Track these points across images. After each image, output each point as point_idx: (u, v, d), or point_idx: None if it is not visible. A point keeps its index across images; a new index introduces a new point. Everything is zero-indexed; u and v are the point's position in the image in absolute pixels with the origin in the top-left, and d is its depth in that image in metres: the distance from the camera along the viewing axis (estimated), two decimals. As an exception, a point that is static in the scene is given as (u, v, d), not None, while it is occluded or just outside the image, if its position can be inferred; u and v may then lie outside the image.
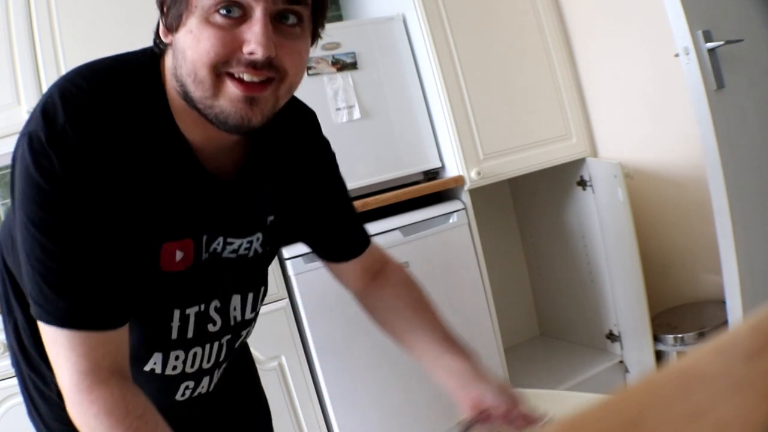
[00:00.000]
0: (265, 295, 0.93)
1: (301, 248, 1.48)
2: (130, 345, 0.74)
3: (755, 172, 1.56)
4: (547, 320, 2.51)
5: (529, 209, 2.44)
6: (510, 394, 0.83)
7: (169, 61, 0.72)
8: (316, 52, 1.83)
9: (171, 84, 0.71)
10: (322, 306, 1.67)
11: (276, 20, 0.67)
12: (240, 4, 0.64)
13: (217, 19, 0.65)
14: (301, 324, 1.67)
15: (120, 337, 0.70)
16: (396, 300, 0.96)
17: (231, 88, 0.66)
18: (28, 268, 0.68)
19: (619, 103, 2.03)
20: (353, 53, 1.87)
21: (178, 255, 0.75)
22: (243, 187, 0.78)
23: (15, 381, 1.46)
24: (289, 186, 0.86)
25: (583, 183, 2.08)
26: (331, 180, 0.95)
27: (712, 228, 1.55)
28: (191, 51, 0.66)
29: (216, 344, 0.85)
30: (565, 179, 2.15)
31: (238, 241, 0.81)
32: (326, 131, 1.40)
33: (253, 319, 0.91)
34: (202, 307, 0.81)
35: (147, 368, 0.82)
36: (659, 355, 1.93)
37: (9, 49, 1.75)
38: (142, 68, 0.73)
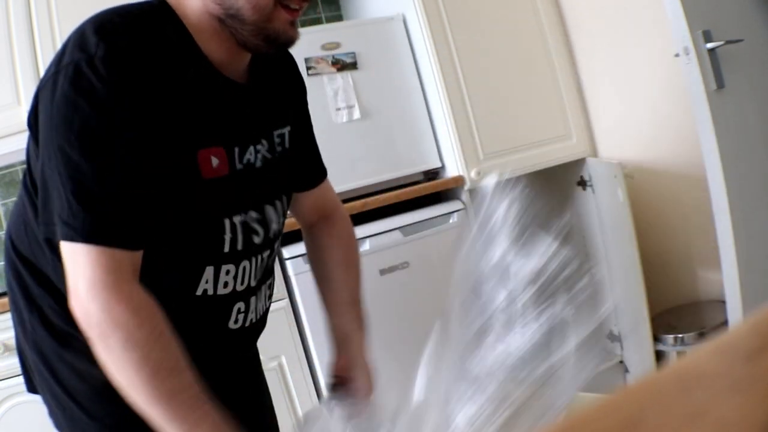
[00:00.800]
0: (289, 204, 0.99)
1: (301, 248, 1.48)
2: (181, 266, 0.79)
3: (755, 172, 1.56)
4: (547, 320, 2.51)
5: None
6: (370, 376, 0.98)
7: None
8: (316, 52, 1.83)
9: (204, 7, 0.79)
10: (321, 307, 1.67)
11: None
12: None
13: None
14: (301, 324, 1.67)
15: (139, 262, 0.73)
16: (332, 250, 1.06)
17: (284, 15, 0.78)
18: (60, 190, 0.70)
19: (619, 103, 2.03)
20: (353, 53, 1.87)
21: (214, 161, 0.80)
22: (254, 89, 0.88)
23: (15, 381, 1.47)
24: (285, 97, 0.98)
25: (583, 183, 2.08)
26: (306, 106, 1.06)
27: (712, 228, 1.55)
28: None
29: (259, 258, 0.89)
30: (565, 179, 2.15)
31: (263, 147, 0.88)
32: (326, 131, 1.42)
33: (281, 231, 0.96)
34: (245, 216, 0.85)
35: (199, 291, 0.83)
36: (659, 355, 1.93)
37: (9, 50, 1.76)
38: (153, 7, 0.79)
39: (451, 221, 1.86)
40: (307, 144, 1.04)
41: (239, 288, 0.86)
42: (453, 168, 1.92)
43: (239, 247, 0.84)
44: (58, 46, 1.89)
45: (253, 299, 0.91)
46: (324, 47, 1.84)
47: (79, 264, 0.69)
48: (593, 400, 1.20)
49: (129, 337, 0.67)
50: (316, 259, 1.08)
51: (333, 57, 1.84)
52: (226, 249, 0.83)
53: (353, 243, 1.10)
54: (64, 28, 1.80)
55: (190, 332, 0.76)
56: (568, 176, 2.13)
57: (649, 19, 1.81)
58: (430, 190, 1.85)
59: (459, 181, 1.88)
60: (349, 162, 1.81)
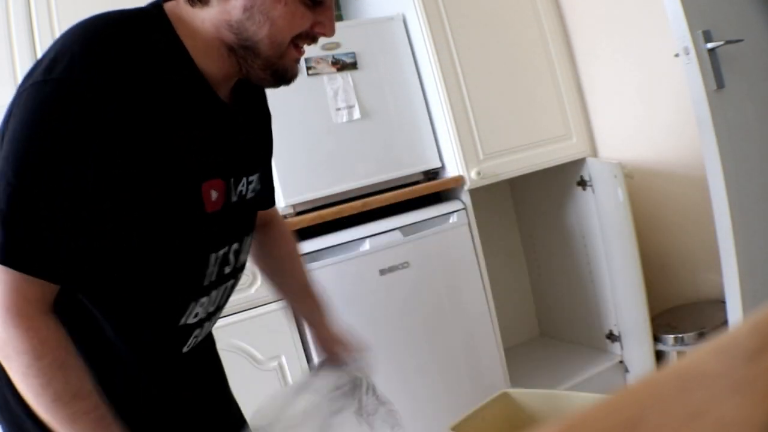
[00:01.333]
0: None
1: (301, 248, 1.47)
2: (167, 302, 0.80)
3: (755, 171, 1.56)
4: (547, 320, 2.51)
5: (529, 209, 2.44)
6: (346, 340, 1.09)
7: (218, 13, 0.78)
8: (316, 52, 1.83)
9: (216, 34, 0.79)
10: (322, 306, 1.67)
11: None
12: None
13: (307, 2, 0.79)
14: (301, 324, 1.67)
15: (56, 292, 0.71)
16: (278, 247, 1.14)
17: (294, 54, 0.83)
18: None
19: (619, 103, 2.03)
20: (353, 53, 1.87)
21: (213, 195, 0.81)
22: (243, 115, 0.90)
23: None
24: (264, 123, 1.03)
25: (583, 183, 2.08)
26: (271, 131, 1.08)
27: (712, 228, 1.55)
28: (282, 20, 0.79)
29: (226, 287, 0.91)
30: (565, 179, 2.15)
31: (253, 178, 0.91)
32: (326, 131, 1.42)
33: (246, 261, 0.98)
34: (227, 249, 0.87)
35: (182, 322, 0.84)
36: (659, 355, 1.93)
37: (9, 49, 1.75)
38: (147, 14, 0.78)
39: (451, 221, 1.86)
40: (269, 166, 1.09)
41: (203, 316, 0.88)
42: (453, 168, 1.91)
43: (213, 278, 0.86)
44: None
45: (207, 324, 0.92)
46: (324, 47, 1.84)
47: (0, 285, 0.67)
48: (593, 400, 1.20)
49: (31, 365, 0.67)
50: (264, 256, 1.13)
51: (333, 57, 1.84)
52: (206, 282, 0.84)
53: (293, 238, 1.18)
54: (63, 27, 1.80)
55: (149, 359, 0.80)
56: (568, 176, 2.13)
57: (649, 19, 1.81)
58: (430, 190, 1.85)
59: (459, 181, 1.88)
60: (349, 162, 1.81)
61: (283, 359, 1.62)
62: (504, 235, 2.49)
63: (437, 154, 1.96)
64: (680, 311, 1.99)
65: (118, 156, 0.68)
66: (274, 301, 1.61)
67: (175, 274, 0.80)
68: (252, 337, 1.57)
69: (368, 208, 1.75)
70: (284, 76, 0.85)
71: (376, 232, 1.75)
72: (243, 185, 0.87)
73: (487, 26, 1.99)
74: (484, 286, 1.88)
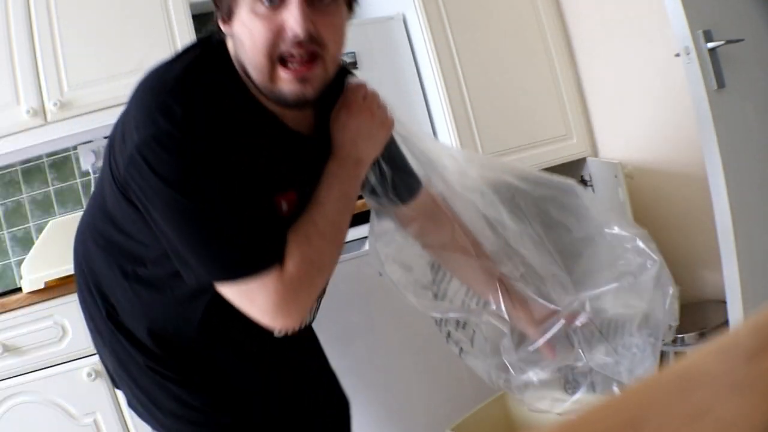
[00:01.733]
0: None
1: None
2: None
3: (756, 171, 1.56)
4: (547, 320, 2.51)
5: (529, 209, 2.44)
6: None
7: (231, 47, 0.83)
8: (316, 51, 1.83)
9: (239, 67, 0.83)
10: (322, 306, 1.67)
11: (311, 1, 0.77)
12: None
13: (260, 9, 0.76)
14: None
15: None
16: (449, 243, 1.11)
17: (283, 74, 0.78)
18: (193, 247, 0.78)
19: (619, 103, 2.03)
20: (353, 53, 1.87)
21: (284, 205, 0.88)
22: (320, 138, 0.92)
23: (15, 381, 1.47)
24: None
25: (583, 183, 2.08)
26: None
27: (713, 228, 1.55)
28: (247, 41, 0.78)
29: None
30: (565, 179, 2.15)
31: None
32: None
33: None
34: None
35: None
36: (659, 355, 1.92)
37: (8, 49, 1.75)
38: (215, 58, 0.84)
39: (451, 221, 1.86)
40: (397, 160, 1.05)
41: None
42: (453, 168, 1.91)
43: None
44: (58, 45, 1.88)
45: None
46: (324, 47, 1.84)
47: (256, 297, 0.79)
48: (594, 401, 1.20)
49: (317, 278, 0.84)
50: (436, 254, 1.14)
51: (333, 57, 1.85)
52: None
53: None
54: (63, 27, 1.80)
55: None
56: (568, 176, 2.12)
57: (649, 19, 1.81)
58: (430, 190, 1.85)
59: (459, 181, 1.88)
60: (349, 162, 1.81)
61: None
62: (504, 235, 2.49)
63: (437, 154, 1.96)
64: (680, 311, 1.98)
65: (229, 173, 0.78)
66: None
67: None
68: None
69: (368, 208, 1.74)
70: (286, 101, 0.81)
71: (376, 232, 1.75)
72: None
73: (487, 26, 1.99)
74: (484, 286, 1.88)
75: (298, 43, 0.76)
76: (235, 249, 0.78)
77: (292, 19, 0.75)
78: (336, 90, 0.92)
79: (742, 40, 1.46)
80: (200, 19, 2.26)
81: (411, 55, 1.96)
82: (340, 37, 0.83)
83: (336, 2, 0.81)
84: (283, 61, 0.78)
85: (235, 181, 0.78)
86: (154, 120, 0.76)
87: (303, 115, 0.88)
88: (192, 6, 1.99)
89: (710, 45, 1.43)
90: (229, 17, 0.80)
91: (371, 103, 0.96)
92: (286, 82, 0.78)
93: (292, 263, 0.80)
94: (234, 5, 0.78)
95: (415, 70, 1.96)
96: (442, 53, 1.89)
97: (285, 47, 0.77)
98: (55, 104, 1.76)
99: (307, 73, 0.78)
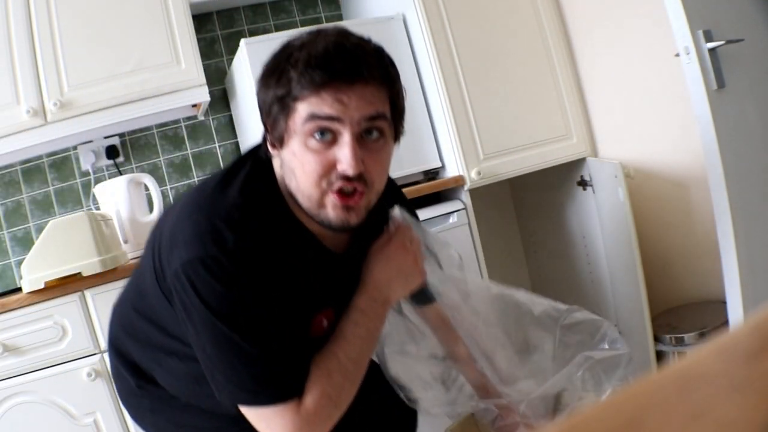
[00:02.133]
0: None
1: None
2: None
3: (756, 171, 1.56)
4: (547, 320, 2.51)
5: (529, 209, 2.44)
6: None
7: (277, 167, 0.90)
8: (316, 51, 1.83)
9: (283, 187, 0.89)
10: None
11: (361, 139, 0.84)
12: (330, 129, 0.82)
13: (313, 143, 0.83)
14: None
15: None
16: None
17: (332, 200, 0.84)
18: (220, 366, 0.82)
19: (619, 103, 2.03)
20: (353, 53, 1.87)
21: (324, 322, 0.94)
22: (356, 257, 0.98)
23: (15, 381, 1.47)
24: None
25: (583, 183, 2.08)
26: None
27: (713, 228, 1.55)
28: (298, 171, 0.84)
29: None
30: (565, 179, 2.15)
31: None
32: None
33: None
34: None
35: None
36: (659, 355, 1.92)
37: (8, 49, 1.75)
38: (264, 179, 0.90)
39: (451, 221, 1.86)
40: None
41: None
42: (453, 168, 1.91)
43: None
44: (58, 45, 1.88)
45: None
46: (324, 47, 1.84)
47: (272, 424, 0.83)
48: (594, 401, 1.20)
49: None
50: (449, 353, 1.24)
51: (333, 57, 1.84)
52: None
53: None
54: (63, 27, 1.80)
55: None
56: (568, 176, 2.13)
57: (649, 18, 1.81)
58: (430, 190, 1.85)
59: (459, 181, 1.87)
60: (349, 162, 1.81)
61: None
62: (504, 235, 2.49)
63: (437, 154, 1.96)
64: (680, 311, 1.99)
65: (272, 298, 0.83)
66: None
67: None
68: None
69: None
70: (331, 226, 0.86)
71: (376, 232, 1.75)
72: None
73: (488, 26, 1.99)
74: (484, 286, 1.88)
75: (347, 179, 0.83)
76: (259, 379, 0.82)
77: (345, 160, 0.82)
78: (375, 213, 0.95)
79: (742, 40, 1.46)
80: (200, 19, 2.26)
81: (411, 55, 1.96)
82: (385, 171, 0.91)
83: (384, 138, 0.87)
84: (330, 187, 0.84)
85: (272, 311, 0.82)
86: (204, 243, 0.80)
87: (340, 235, 0.93)
88: (192, 6, 1.99)
89: (710, 45, 1.43)
90: (280, 144, 0.86)
91: (416, 248, 1.00)
92: (333, 208, 0.85)
93: (311, 398, 0.83)
94: (287, 135, 0.84)
95: (415, 70, 1.96)
96: (442, 53, 1.89)
97: (335, 182, 0.84)
98: (55, 104, 1.76)
99: (353, 204, 0.85)
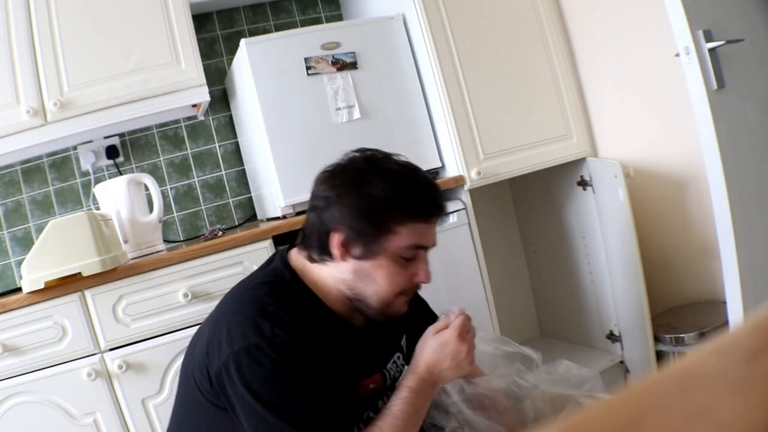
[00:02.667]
0: None
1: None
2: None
3: (756, 171, 1.56)
4: (547, 320, 2.51)
5: (529, 209, 2.44)
6: None
7: (335, 272, 1.05)
8: (316, 51, 1.83)
9: (336, 286, 1.05)
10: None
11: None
12: (419, 254, 1.06)
13: (402, 262, 1.03)
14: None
15: None
16: None
17: (402, 299, 1.06)
18: None
19: (619, 103, 2.03)
20: (353, 53, 1.87)
21: (371, 386, 1.09)
22: (377, 327, 1.13)
23: (15, 381, 1.47)
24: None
25: (583, 183, 2.08)
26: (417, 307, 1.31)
27: (713, 228, 1.55)
28: (384, 281, 1.02)
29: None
30: (565, 179, 2.15)
31: (395, 357, 1.18)
32: (326, 131, 1.43)
33: None
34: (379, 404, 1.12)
35: None
36: (659, 355, 1.92)
37: (8, 49, 1.75)
38: (288, 279, 1.05)
39: (451, 221, 1.86)
40: (426, 315, 1.32)
41: None
42: (453, 168, 1.91)
43: (371, 414, 1.10)
44: (58, 45, 1.88)
45: None
46: (324, 47, 1.84)
47: None
48: (594, 401, 1.20)
49: None
50: None
51: (333, 57, 1.84)
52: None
53: None
54: (63, 27, 1.80)
55: None
56: (568, 176, 2.13)
57: (649, 18, 1.81)
58: (430, 190, 1.85)
59: (459, 181, 1.87)
60: (349, 162, 1.80)
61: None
62: (504, 235, 2.49)
63: (437, 154, 1.96)
64: (680, 311, 1.99)
65: (309, 375, 0.95)
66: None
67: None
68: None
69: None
70: (394, 317, 1.07)
71: (376, 232, 1.74)
72: (392, 367, 1.16)
73: (488, 26, 1.99)
74: (484, 286, 1.88)
75: (417, 288, 1.07)
76: None
77: (425, 273, 1.05)
78: None
79: (742, 40, 1.46)
80: (200, 19, 2.26)
81: (411, 55, 1.96)
82: None
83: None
84: (406, 294, 1.06)
85: (313, 388, 0.94)
86: (245, 335, 0.93)
87: (359, 316, 1.11)
88: (192, 6, 1.99)
89: (710, 45, 1.43)
90: (364, 257, 1.02)
91: (472, 340, 1.11)
92: (402, 304, 1.06)
93: None
94: (378, 250, 1.02)
95: (415, 70, 1.96)
96: (442, 53, 1.89)
97: (411, 288, 1.06)
98: (55, 104, 1.76)
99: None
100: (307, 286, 1.05)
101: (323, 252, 1.04)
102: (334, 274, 1.05)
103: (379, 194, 1.01)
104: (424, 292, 1.79)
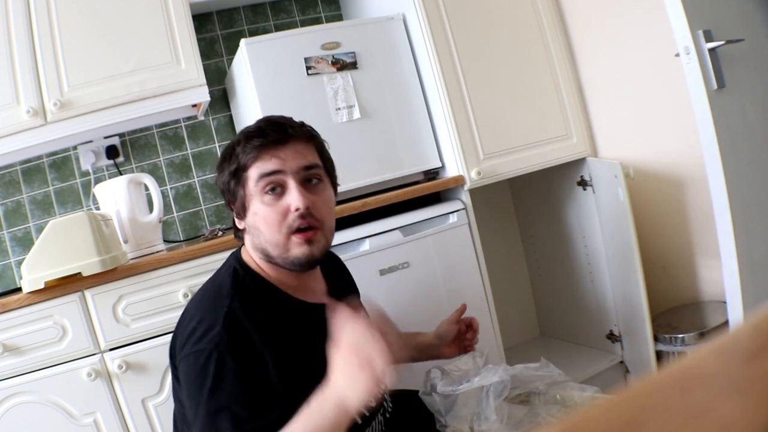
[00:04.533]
0: None
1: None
2: None
3: (756, 171, 1.56)
4: (547, 320, 2.51)
5: (529, 209, 2.44)
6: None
7: (248, 241, 1.08)
8: (316, 51, 1.83)
9: (256, 256, 1.07)
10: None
11: (304, 185, 1.04)
12: (278, 183, 1.03)
13: (267, 199, 1.02)
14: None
15: None
16: None
17: (295, 240, 1.02)
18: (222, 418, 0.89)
19: (619, 103, 2.03)
20: (353, 53, 1.87)
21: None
22: (337, 297, 1.14)
23: (15, 381, 1.47)
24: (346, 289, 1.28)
25: (583, 183, 2.08)
26: (352, 281, 1.40)
27: (713, 228, 1.55)
28: (262, 226, 1.03)
29: (376, 420, 1.15)
30: (565, 179, 2.15)
31: None
32: (326, 131, 1.43)
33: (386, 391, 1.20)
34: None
35: None
36: (659, 355, 1.92)
37: (8, 49, 1.75)
38: (242, 274, 1.06)
39: (451, 221, 1.86)
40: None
41: None
42: (453, 168, 1.91)
43: (366, 414, 1.07)
44: (58, 45, 1.88)
45: None
46: (324, 47, 1.84)
47: None
48: (594, 401, 1.20)
49: None
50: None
51: (333, 57, 1.84)
52: (359, 420, 1.03)
53: None
54: (63, 27, 1.80)
55: None
56: (568, 176, 2.13)
57: (650, 18, 1.81)
58: (430, 190, 1.85)
59: (459, 180, 1.87)
60: (348, 162, 1.81)
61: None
62: (504, 235, 2.49)
63: (437, 154, 1.96)
64: (680, 311, 1.99)
65: (267, 363, 0.95)
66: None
67: None
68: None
69: (368, 208, 1.74)
70: (299, 264, 1.03)
71: (376, 232, 1.75)
72: None
73: (488, 26, 1.99)
74: (484, 286, 1.88)
75: (301, 216, 1.01)
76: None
77: (294, 198, 1.01)
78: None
79: (742, 40, 1.46)
80: (200, 19, 2.26)
81: (411, 55, 1.96)
82: (330, 210, 1.09)
83: (322, 183, 1.08)
84: (290, 229, 1.02)
85: (261, 372, 0.94)
86: (203, 316, 0.98)
87: (317, 285, 1.13)
88: (192, 6, 1.99)
89: (710, 45, 1.43)
90: (243, 213, 1.05)
91: (378, 345, 0.83)
92: (297, 245, 1.02)
93: None
94: (247, 201, 1.04)
95: (415, 70, 1.96)
96: (442, 53, 1.89)
97: (292, 221, 1.01)
98: (55, 104, 1.76)
99: (312, 237, 1.02)
100: (257, 274, 1.06)
101: (236, 229, 1.10)
102: (249, 246, 1.08)
103: (229, 152, 1.06)
104: (425, 289, 1.80)
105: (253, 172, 1.03)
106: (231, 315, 0.97)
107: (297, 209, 1.00)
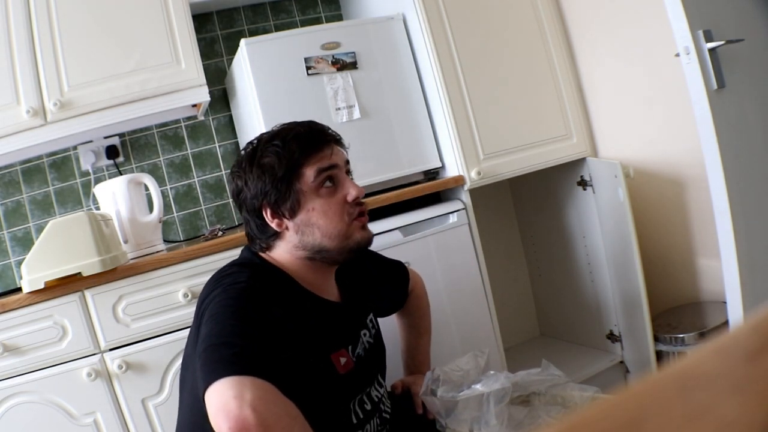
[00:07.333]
0: (385, 374, 1.29)
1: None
2: None
3: (756, 171, 1.56)
4: (547, 320, 2.51)
5: (529, 209, 2.44)
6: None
7: (285, 243, 1.11)
8: (316, 51, 1.83)
9: (293, 256, 1.11)
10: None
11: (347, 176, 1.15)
12: (333, 177, 1.10)
13: (325, 191, 1.09)
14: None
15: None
16: (409, 324, 1.55)
17: (356, 224, 1.10)
18: (213, 352, 0.87)
19: (619, 103, 2.03)
20: (353, 53, 1.87)
21: (342, 360, 1.09)
22: (347, 303, 1.19)
23: (15, 381, 1.47)
24: (368, 288, 1.29)
25: (583, 183, 2.08)
26: (385, 273, 1.42)
27: (713, 228, 1.55)
28: (322, 219, 1.08)
29: (372, 421, 1.15)
30: (565, 179, 2.15)
31: (365, 330, 1.20)
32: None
33: (384, 393, 1.25)
34: (362, 395, 1.13)
35: None
36: (659, 355, 1.93)
37: (8, 49, 1.75)
38: (259, 262, 1.12)
39: (451, 221, 1.86)
40: (392, 282, 1.43)
41: None
42: (453, 168, 1.91)
43: (361, 416, 1.10)
44: (58, 45, 1.88)
45: None
46: (324, 47, 1.84)
47: (245, 392, 0.81)
48: (594, 401, 1.20)
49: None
50: (400, 327, 1.56)
51: (333, 57, 1.84)
52: (355, 421, 1.09)
53: (425, 312, 1.55)
54: (63, 27, 1.80)
55: None
56: (568, 176, 2.13)
57: (649, 18, 1.81)
58: (430, 190, 1.85)
59: (459, 180, 1.87)
60: (349, 162, 1.81)
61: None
62: (504, 235, 2.49)
63: (437, 154, 1.96)
64: (680, 311, 1.99)
65: (273, 333, 0.93)
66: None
67: (325, 421, 0.97)
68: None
69: (368, 208, 1.74)
70: (359, 247, 1.11)
71: (376, 232, 1.74)
72: (361, 342, 1.16)
73: (488, 26, 1.99)
74: (484, 286, 1.88)
75: (358, 203, 1.11)
76: (235, 354, 0.88)
77: (351, 188, 1.10)
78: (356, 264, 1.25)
79: (742, 40, 1.46)
80: (200, 19, 2.26)
81: (411, 55, 1.96)
82: None
83: (351, 173, 1.17)
84: (351, 216, 1.09)
85: (273, 337, 0.92)
86: (223, 285, 1.01)
87: (330, 282, 1.16)
88: (192, 6, 1.99)
89: (710, 45, 1.43)
90: (293, 213, 1.08)
91: None
92: (359, 230, 1.10)
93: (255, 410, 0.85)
94: (302, 199, 1.07)
95: (415, 70, 1.96)
96: (442, 53, 1.89)
97: (351, 209, 1.09)
98: (55, 104, 1.77)
99: (367, 221, 1.13)
100: (283, 273, 1.09)
101: (266, 234, 1.11)
102: (287, 248, 1.11)
103: (271, 156, 1.08)
104: (426, 290, 1.80)
105: (310, 169, 1.08)
106: (253, 280, 1.01)
107: (355, 198, 1.09)
